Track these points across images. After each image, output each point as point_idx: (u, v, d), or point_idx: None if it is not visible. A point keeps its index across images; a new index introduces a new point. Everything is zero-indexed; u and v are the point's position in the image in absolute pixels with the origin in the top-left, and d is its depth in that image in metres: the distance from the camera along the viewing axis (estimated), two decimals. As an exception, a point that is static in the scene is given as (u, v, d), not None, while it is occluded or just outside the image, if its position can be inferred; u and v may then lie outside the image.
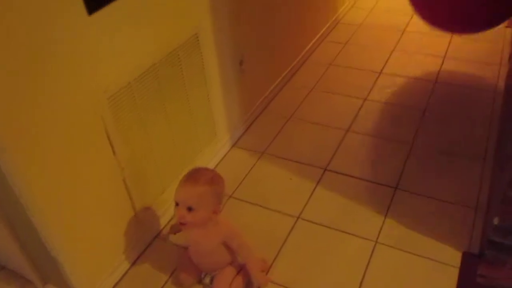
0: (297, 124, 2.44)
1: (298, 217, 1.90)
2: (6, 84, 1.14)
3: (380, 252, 1.72)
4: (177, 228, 1.71)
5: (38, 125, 1.25)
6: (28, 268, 1.61)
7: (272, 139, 2.35)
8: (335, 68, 2.89)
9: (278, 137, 2.36)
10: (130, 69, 1.53)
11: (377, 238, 1.78)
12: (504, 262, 1.55)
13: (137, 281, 1.71)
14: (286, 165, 2.17)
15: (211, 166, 2.17)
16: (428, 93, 2.57)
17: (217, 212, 1.49)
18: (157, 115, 1.72)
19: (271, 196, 2.01)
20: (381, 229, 1.82)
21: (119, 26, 1.45)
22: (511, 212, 1.46)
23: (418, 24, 3.28)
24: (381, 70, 2.82)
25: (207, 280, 1.63)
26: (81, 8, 1.30)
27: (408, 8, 3.49)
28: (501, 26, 3.12)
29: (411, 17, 3.39)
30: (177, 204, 1.44)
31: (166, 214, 1.92)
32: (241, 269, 1.62)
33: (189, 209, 1.42)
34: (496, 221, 1.51)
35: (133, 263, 1.76)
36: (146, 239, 1.83)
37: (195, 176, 1.47)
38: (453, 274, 1.62)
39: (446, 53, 2.92)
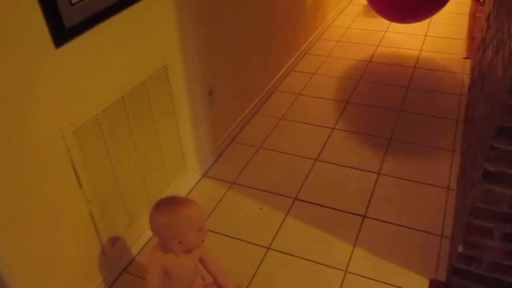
0: (267, 153, 2.46)
1: (268, 248, 1.90)
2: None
3: (350, 282, 1.73)
4: None
5: (0, 159, 1.22)
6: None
7: (242, 168, 2.35)
8: (303, 98, 2.95)
9: (248, 166, 2.37)
10: (97, 102, 1.52)
11: (347, 268, 1.79)
12: (469, 289, 1.59)
13: (103, 318, 1.65)
14: (256, 195, 2.17)
15: (181, 195, 2.14)
16: (393, 121, 2.65)
17: None
18: (125, 147, 1.70)
19: (241, 226, 2.00)
20: (350, 258, 1.83)
21: (87, 59, 1.44)
22: (474, 240, 1.50)
23: (383, 55, 3.40)
24: (348, 99, 2.89)
25: None
26: (48, 41, 1.30)
27: (374, 40, 3.63)
28: (460, 56, 3.28)
29: (376, 48, 3.51)
30: (201, 229, 1.40)
31: (135, 247, 1.88)
32: None
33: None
34: (460, 248, 1.55)
35: (99, 299, 1.71)
36: (114, 273, 1.78)
37: (189, 199, 1.43)
38: (422, 302, 1.64)
39: (409, 82, 3.02)
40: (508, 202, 1.38)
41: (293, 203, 2.12)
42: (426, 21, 3.84)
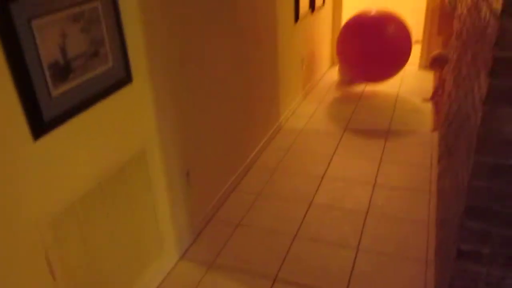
0: (246, 231, 2.45)
1: (249, 333, 1.84)
2: None
3: None
4: None
5: (-28, 257, 1.19)
6: None
7: (220, 248, 2.33)
8: (280, 174, 2.99)
9: (226, 246, 2.35)
10: (74, 190, 1.52)
11: None
12: None
13: None
14: (234, 277, 2.14)
15: (158, 281, 2.09)
16: (369, 194, 2.70)
17: None
18: (101, 233, 1.68)
19: (221, 311, 1.95)
20: None
21: (65, 149, 1.46)
22: (455, 318, 1.50)
23: (354, 131, 3.52)
24: (324, 174, 2.95)
25: None
26: (26, 134, 1.32)
27: (345, 115, 3.77)
28: (428, 129, 3.43)
29: (348, 122, 3.65)
30: None
31: None
32: None
33: None
34: (442, 328, 1.54)
35: None
36: None
37: None
38: None
39: (381, 156, 3.12)
40: (484, 279, 1.40)
41: (273, 284, 2.09)
42: (394, 99, 4.04)
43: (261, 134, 3.24)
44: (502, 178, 1.25)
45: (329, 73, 4.87)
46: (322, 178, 2.91)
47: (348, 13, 5.27)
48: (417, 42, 5.41)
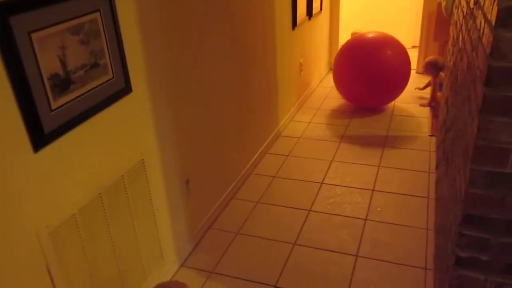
0: (245, 239, 2.46)
1: None
2: None
3: None
4: None
5: (-27, 269, 1.20)
6: None
7: (220, 256, 2.33)
8: (279, 180, 3.00)
9: (226, 254, 2.35)
10: (74, 201, 1.53)
11: None
12: None
13: None
14: (235, 285, 2.14)
15: (158, 290, 2.09)
16: (368, 201, 2.71)
17: None
18: (101, 243, 1.68)
19: (221, 319, 1.95)
20: None
21: (65, 160, 1.47)
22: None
23: (352, 137, 3.53)
24: (322, 181, 2.96)
25: None
26: (27, 146, 1.33)
27: (343, 121, 3.79)
28: (425, 133, 3.44)
29: (346, 129, 3.66)
30: None
31: None
32: None
33: None
34: (442, 335, 1.54)
35: None
36: None
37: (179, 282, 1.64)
38: None
39: (380, 161, 3.13)
40: (482, 286, 1.41)
41: (273, 291, 2.10)
42: (392, 104, 4.05)
43: (259, 141, 3.26)
44: (498, 186, 1.26)
45: (327, 79, 4.89)
46: (321, 185, 2.92)
47: (345, 20, 5.30)
48: (414, 47, 5.45)
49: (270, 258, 2.30)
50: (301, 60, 4.01)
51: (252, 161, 3.12)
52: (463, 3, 2.35)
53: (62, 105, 1.42)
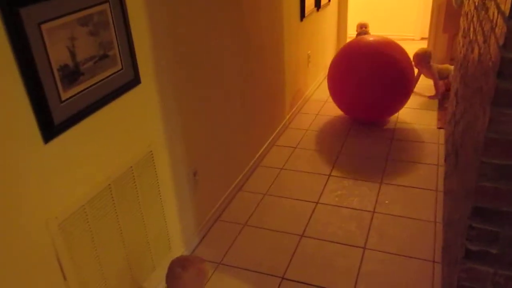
0: (252, 231, 2.46)
1: (257, 333, 1.85)
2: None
3: None
4: None
5: (-15, 258, 1.21)
6: None
7: (227, 248, 2.34)
8: (286, 172, 3.00)
9: (234, 245, 2.36)
10: (84, 193, 1.54)
11: None
12: None
13: None
14: (242, 276, 2.15)
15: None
16: (375, 194, 2.70)
17: None
18: (110, 234, 1.69)
19: (229, 310, 1.96)
20: None
21: (74, 152, 1.48)
22: (463, 318, 1.50)
23: (360, 130, 3.52)
24: (330, 173, 2.95)
25: None
26: (37, 137, 1.33)
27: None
28: (433, 126, 3.42)
29: (353, 121, 3.64)
30: None
31: (119, 338, 1.81)
32: None
33: None
34: (450, 328, 1.54)
35: None
36: None
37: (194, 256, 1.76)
38: None
39: (387, 155, 3.12)
40: (491, 279, 1.41)
41: (280, 282, 2.10)
42: (399, 94, 4.02)
43: (266, 133, 3.25)
44: (509, 179, 1.25)
45: (335, 71, 4.86)
46: (328, 177, 2.91)
47: (353, 11, 5.26)
48: (423, 39, 5.40)
49: (277, 249, 2.31)
50: (309, 52, 3.99)
51: (260, 153, 3.12)
52: (474, -6, 2.32)
53: (72, 97, 1.43)
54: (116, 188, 1.69)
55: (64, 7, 1.35)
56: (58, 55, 1.35)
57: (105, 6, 1.51)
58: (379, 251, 2.25)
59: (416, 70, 3.97)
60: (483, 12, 1.77)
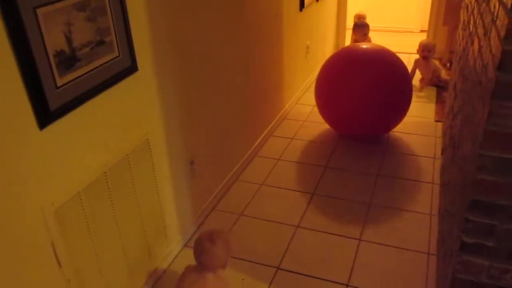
0: (248, 220, 2.46)
1: (252, 322, 1.86)
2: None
3: None
4: None
5: (-21, 244, 1.20)
6: None
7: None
8: (283, 163, 3.00)
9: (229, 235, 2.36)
10: (80, 180, 1.53)
11: None
12: None
13: None
14: (238, 265, 2.15)
15: (162, 269, 2.11)
16: (372, 186, 2.70)
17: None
18: (106, 221, 1.69)
19: (224, 299, 1.96)
20: (335, 330, 1.80)
21: (70, 138, 1.47)
22: (457, 310, 1.51)
23: (358, 120, 3.50)
24: (327, 164, 2.95)
25: None
26: (32, 123, 1.32)
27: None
28: (431, 119, 3.42)
29: (351, 113, 3.63)
30: None
31: (113, 326, 1.82)
32: None
33: None
34: (444, 320, 1.55)
35: None
36: None
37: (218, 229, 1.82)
38: None
39: (385, 146, 3.12)
40: (486, 272, 1.41)
41: (276, 272, 2.10)
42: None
43: (265, 123, 3.24)
44: (507, 172, 1.25)
45: (333, 62, 4.84)
46: (325, 167, 2.91)
47: (353, 1, 5.22)
48: (422, 31, 5.38)
49: (273, 240, 2.31)
50: (307, 43, 3.96)
51: (257, 143, 3.11)
52: (476, -14, 2.30)
53: (68, 83, 1.41)
54: (112, 176, 1.68)
55: (60, -9, 1.33)
56: (54, 40, 1.33)
57: (103, -9, 1.49)
58: (375, 242, 2.26)
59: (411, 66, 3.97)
60: (484, 4, 1.76)
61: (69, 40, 1.39)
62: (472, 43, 1.99)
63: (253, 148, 3.06)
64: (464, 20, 2.79)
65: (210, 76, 2.33)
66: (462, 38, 2.69)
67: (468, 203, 1.34)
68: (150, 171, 1.92)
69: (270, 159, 3.05)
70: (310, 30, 4.00)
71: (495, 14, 1.36)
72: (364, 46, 3.08)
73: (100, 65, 1.54)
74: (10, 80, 1.23)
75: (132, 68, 1.70)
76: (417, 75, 4.12)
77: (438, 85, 4.01)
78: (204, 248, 1.71)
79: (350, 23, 5.08)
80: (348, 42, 4.67)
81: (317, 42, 4.30)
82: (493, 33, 1.34)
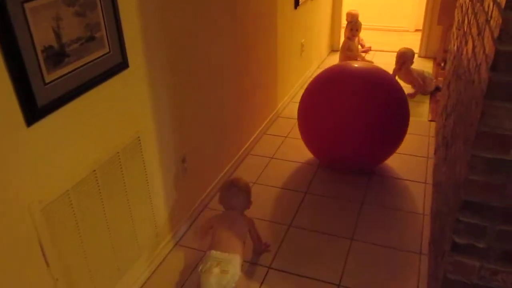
0: (240, 219, 2.44)
1: (242, 321, 1.84)
2: None
3: None
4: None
5: (-37, 243, 1.18)
6: None
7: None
8: (276, 162, 2.98)
9: (221, 234, 2.34)
10: (68, 178, 1.50)
11: None
12: None
13: None
14: (229, 264, 2.13)
15: (153, 266, 2.09)
16: (364, 185, 2.69)
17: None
18: (95, 220, 1.67)
19: (215, 299, 1.95)
20: (326, 330, 1.79)
21: (58, 135, 1.44)
22: (447, 311, 1.51)
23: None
24: (320, 163, 2.93)
25: (215, 269, 1.79)
26: (20, 120, 1.30)
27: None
28: (425, 118, 3.41)
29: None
30: None
31: (103, 325, 1.80)
32: None
33: None
34: (435, 320, 1.54)
35: None
36: None
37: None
38: None
39: (378, 146, 3.11)
40: (477, 273, 1.41)
41: (267, 272, 2.09)
42: (392, 85, 4.00)
43: (257, 121, 3.22)
44: (499, 173, 1.24)
45: (328, 60, 4.84)
46: (318, 167, 2.90)
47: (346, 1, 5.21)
48: (417, 30, 5.38)
49: (264, 239, 2.29)
50: (302, 41, 3.95)
51: (250, 142, 3.10)
52: (470, -15, 2.29)
53: (56, 79, 1.39)
54: (102, 174, 1.66)
55: (49, -15, 1.30)
56: (42, 35, 1.31)
57: (93, -14, 1.46)
58: (367, 242, 2.25)
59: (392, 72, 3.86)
60: (478, 4, 1.75)
61: (58, 36, 1.36)
62: (466, 43, 1.99)
63: (246, 146, 3.04)
64: (458, 20, 2.78)
65: (203, 73, 2.31)
66: (456, 38, 2.69)
67: (460, 203, 1.34)
68: (141, 169, 1.90)
69: (263, 157, 3.03)
70: (305, 28, 3.99)
71: (489, 14, 1.36)
72: (355, 65, 2.71)
73: (90, 61, 1.51)
74: (-4, 76, 1.20)
75: (123, 65, 1.68)
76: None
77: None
78: (233, 193, 2.03)
79: (345, 21, 5.07)
80: (342, 39, 4.65)
81: (312, 40, 4.28)
82: (487, 33, 1.33)
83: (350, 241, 2.26)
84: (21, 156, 1.32)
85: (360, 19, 4.66)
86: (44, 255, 1.45)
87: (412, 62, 3.88)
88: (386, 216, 2.44)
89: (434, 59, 4.63)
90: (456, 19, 3.04)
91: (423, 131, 3.29)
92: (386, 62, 4.16)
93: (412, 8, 5.61)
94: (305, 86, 4.15)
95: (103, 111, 1.63)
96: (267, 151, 3.10)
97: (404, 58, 3.84)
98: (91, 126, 1.58)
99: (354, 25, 4.41)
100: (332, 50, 5.10)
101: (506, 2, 1.09)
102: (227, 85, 2.62)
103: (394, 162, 2.91)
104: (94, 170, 1.62)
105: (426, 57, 4.72)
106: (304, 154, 3.05)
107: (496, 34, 1.16)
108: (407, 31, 5.66)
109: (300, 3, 3.67)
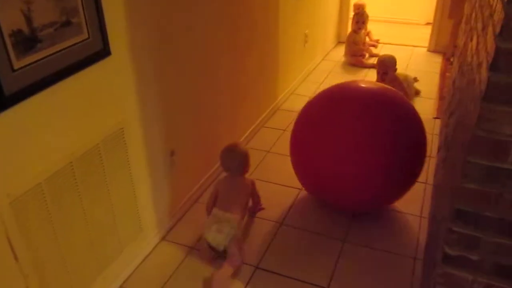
0: (231, 215, 2.37)
1: (224, 323, 1.77)
2: None
3: None
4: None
5: None
6: None
7: (203, 232, 2.25)
8: (272, 156, 2.89)
9: (210, 229, 2.26)
10: (41, 170, 1.43)
11: None
12: None
13: None
14: (216, 262, 2.06)
15: (136, 263, 2.03)
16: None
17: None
18: (71, 214, 1.60)
19: (198, 298, 1.88)
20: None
21: (29, 125, 1.37)
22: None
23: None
24: (318, 159, 2.84)
25: (214, 226, 2.00)
26: (-14, 108, 1.22)
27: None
28: (430, 115, 3.29)
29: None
30: None
31: (79, 322, 1.74)
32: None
33: None
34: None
35: None
36: None
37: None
38: None
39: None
40: (469, 286, 1.31)
41: (254, 272, 2.02)
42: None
43: (255, 113, 3.13)
44: (495, 182, 1.14)
45: (334, 53, 4.71)
46: (316, 163, 2.81)
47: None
48: (428, 24, 5.22)
49: (255, 236, 2.22)
50: (306, 31, 3.83)
51: (246, 135, 3.01)
52: (480, -23, 2.17)
53: (27, 65, 1.31)
54: (79, 166, 1.58)
55: (18, -35, 1.22)
56: (10, 19, 1.22)
57: (69, -32, 1.37)
58: (360, 244, 2.16)
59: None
60: (485, -3, 1.63)
61: (28, 19, 1.28)
62: (471, 39, 1.87)
63: (242, 139, 2.95)
64: (467, 14, 2.65)
65: (195, 61, 2.22)
66: (464, 33, 2.56)
67: (453, 212, 1.24)
68: (124, 162, 1.82)
69: (259, 150, 2.94)
70: (310, 17, 3.86)
71: (493, 7, 1.25)
72: (363, 85, 2.22)
73: (66, 47, 1.43)
74: (-44, 61, 1.12)
75: (104, 52, 1.59)
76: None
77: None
78: (231, 157, 2.14)
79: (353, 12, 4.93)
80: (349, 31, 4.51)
81: (317, 31, 4.16)
82: (490, 29, 1.23)
83: (342, 243, 2.17)
84: (-14, 146, 1.25)
85: (369, 10, 4.52)
86: (12, 248, 1.38)
87: (395, 70, 3.36)
88: (382, 217, 2.34)
89: (444, 54, 4.48)
90: (465, 12, 2.91)
91: (427, 129, 3.13)
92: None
93: (423, 1, 5.44)
94: (309, 77, 4.05)
95: (81, 100, 1.55)
96: (264, 145, 3.01)
97: (385, 68, 3.32)
98: (67, 116, 1.50)
99: (360, 17, 4.27)
100: (339, 42, 4.96)
101: (509, -4, 0.98)
102: (221, 74, 2.52)
103: (395, 160, 2.80)
104: (71, 162, 1.54)
105: (435, 51, 4.58)
106: (302, 149, 2.95)
107: (497, 30, 1.05)
108: (418, 24, 5.50)
109: (305, -8, 3.55)
